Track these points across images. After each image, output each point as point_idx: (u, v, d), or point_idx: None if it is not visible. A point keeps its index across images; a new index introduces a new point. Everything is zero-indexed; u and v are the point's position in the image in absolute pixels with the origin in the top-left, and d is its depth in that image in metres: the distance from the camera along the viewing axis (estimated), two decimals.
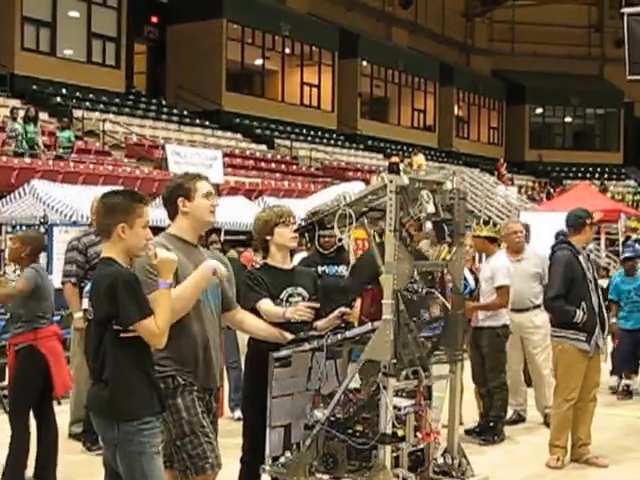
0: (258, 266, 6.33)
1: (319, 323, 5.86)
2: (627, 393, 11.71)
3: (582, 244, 8.29)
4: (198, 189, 5.30)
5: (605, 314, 8.27)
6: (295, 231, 5.98)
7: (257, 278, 5.95)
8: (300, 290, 6.02)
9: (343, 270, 8.21)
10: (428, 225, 5.48)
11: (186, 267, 5.15)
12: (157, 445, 4.69)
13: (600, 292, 8.27)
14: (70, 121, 24.24)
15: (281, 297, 5.92)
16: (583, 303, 8.05)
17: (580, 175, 48.52)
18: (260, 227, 6.08)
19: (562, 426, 8.27)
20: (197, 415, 5.13)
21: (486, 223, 9.41)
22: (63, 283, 8.76)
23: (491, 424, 9.09)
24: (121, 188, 5.35)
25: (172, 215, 5.38)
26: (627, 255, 12.24)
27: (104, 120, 26.59)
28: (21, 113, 21.85)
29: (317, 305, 5.78)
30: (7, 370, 7.78)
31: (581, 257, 8.19)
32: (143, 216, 4.75)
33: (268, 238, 6.03)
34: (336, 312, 5.82)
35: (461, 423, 5.98)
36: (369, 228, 6.08)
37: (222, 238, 11.71)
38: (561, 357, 8.26)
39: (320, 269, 7.96)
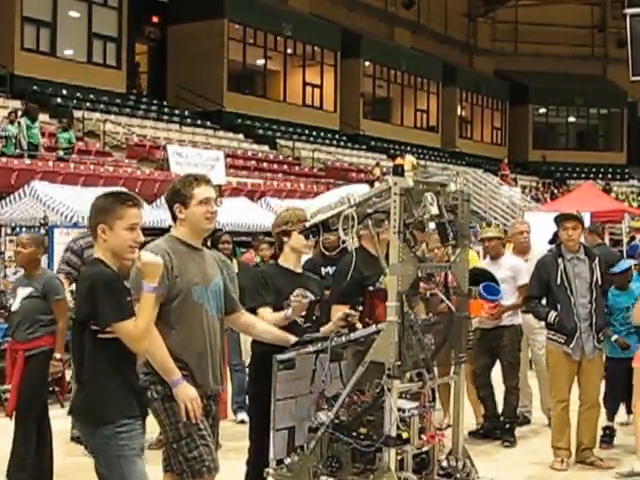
0: (270, 265, 6.30)
1: (324, 329, 5.82)
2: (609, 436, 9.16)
3: (568, 245, 8.26)
4: (195, 196, 5.22)
5: (596, 319, 8.17)
6: (300, 232, 5.95)
7: (266, 280, 5.92)
8: (307, 293, 5.99)
9: None
10: (432, 226, 5.44)
11: (186, 273, 5.14)
12: (137, 447, 4.64)
13: (596, 295, 8.20)
14: (71, 122, 24.20)
15: (290, 297, 5.90)
16: (558, 305, 8.17)
17: (584, 175, 48.57)
18: (281, 224, 6.11)
19: (559, 427, 8.32)
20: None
21: (489, 225, 9.43)
22: None
23: (507, 425, 9.08)
24: (115, 189, 5.29)
25: (174, 218, 5.35)
26: (616, 271, 9.05)
27: (105, 121, 26.58)
28: (20, 115, 21.83)
29: (312, 296, 5.75)
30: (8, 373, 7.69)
31: (565, 261, 8.20)
32: (125, 218, 4.67)
33: (285, 239, 6.03)
34: (340, 314, 5.78)
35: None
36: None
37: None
38: (548, 357, 8.48)
39: (324, 270, 7.95)
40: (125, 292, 4.63)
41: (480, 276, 8.59)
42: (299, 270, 6.14)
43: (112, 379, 4.60)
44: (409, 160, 5.35)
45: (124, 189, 18.28)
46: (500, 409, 9.32)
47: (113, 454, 4.57)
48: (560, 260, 8.22)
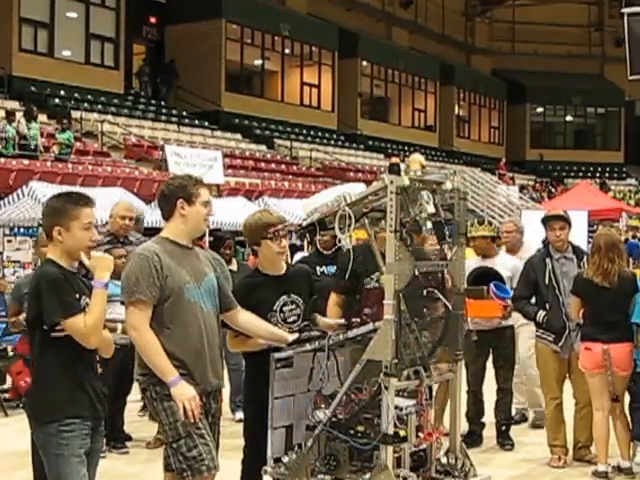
0: (250, 275, 6.25)
1: (321, 320, 5.84)
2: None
3: (556, 246, 8.29)
4: (200, 195, 5.27)
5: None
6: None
7: (238, 298, 5.89)
8: (294, 297, 5.96)
9: None
10: (429, 225, 5.44)
11: (177, 272, 5.14)
12: (78, 448, 4.71)
13: None
14: (69, 122, 24.21)
15: (274, 308, 5.89)
16: (547, 304, 8.19)
17: (581, 174, 48.65)
18: (248, 235, 6.03)
19: (554, 425, 8.35)
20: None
21: (481, 223, 9.28)
22: None
23: (503, 428, 9.01)
24: (67, 191, 5.37)
25: (167, 215, 5.32)
26: None
27: (103, 121, 26.58)
28: (18, 116, 21.85)
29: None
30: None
31: (552, 261, 8.22)
32: (80, 218, 4.76)
33: (255, 248, 6.00)
34: (332, 323, 5.83)
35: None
36: (370, 229, 6.06)
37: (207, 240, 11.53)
38: (538, 355, 8.51)
39: (319, 269, 7.94)
40: (71, 289, 4.69)
41: (486, 275, 8.60)
42: (280, 272, 6.02)
43: (60, 378, 4.69)
44: (417, 159, 5.37)
45: (123, 189, 18.33)
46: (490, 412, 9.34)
47: (52, 452, 4.68)
48: (548, 260, 8.24)
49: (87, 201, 4.84)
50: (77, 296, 4.70)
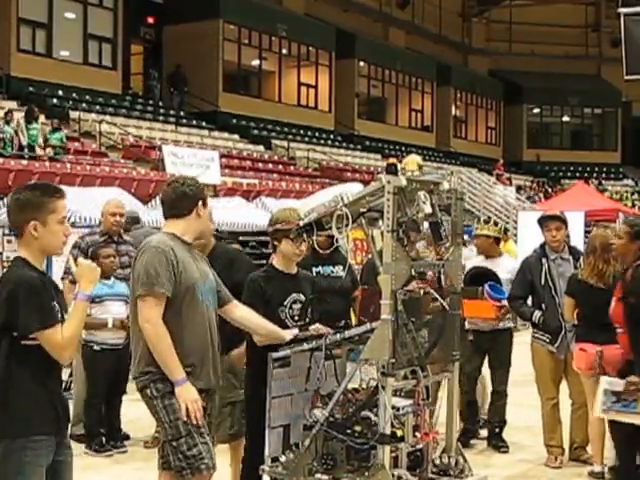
0: (264, 269, 6.30)
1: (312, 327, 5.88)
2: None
3: (552, 246, 8.32)
4: (207, 197, 5.39)
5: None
6: (294, 232, 5.97)
7: (257, 288, 5.95)
8: (301, 297, 6.08)
9: (339, 270, 8.22)
10: (426, 226, 5.47)
11: (190, 269, 5.18)
12: (40, 466, 4.33)
13: None
14: (67, 122, 24.16)
15: (285, 304, 5.95)
16: (543, 305, 8.23)
17: (578, 174, 48.62)
18: (271, 226, 6.13)
19: (550, 425, 8.38)
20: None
21: (487, 222, 9.28)
22: (62, 279, 8.79)
23: (497, 430, 8.99)
24: (35, 182, 5.00)
25: (180, 214, 5.32)
26: None
27: (100, 121, 26.57)
28: (16, 116, 21.83)
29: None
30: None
31: (548, 261, 8.24)
32: (57, 211, 4.41)
33: (275, 243, 6.06)
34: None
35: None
36: (367, 229, 6.09)
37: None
38: (534, 356, 8.52)
39: (315, 270, 7.94)
40: (49, 296, 4.34)
41: (483, 275, 8.61)
42: (293, 271, 6.15)
43: (29, 391, 4.31)
44: (414, 160, 5.40)
45: (120, 189, 18.31)
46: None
47: (12, 468, 4.28)
48: (544, 260, 8.27)
49: (61, 193, 4.49)
50: (53, 304, 4.34)
